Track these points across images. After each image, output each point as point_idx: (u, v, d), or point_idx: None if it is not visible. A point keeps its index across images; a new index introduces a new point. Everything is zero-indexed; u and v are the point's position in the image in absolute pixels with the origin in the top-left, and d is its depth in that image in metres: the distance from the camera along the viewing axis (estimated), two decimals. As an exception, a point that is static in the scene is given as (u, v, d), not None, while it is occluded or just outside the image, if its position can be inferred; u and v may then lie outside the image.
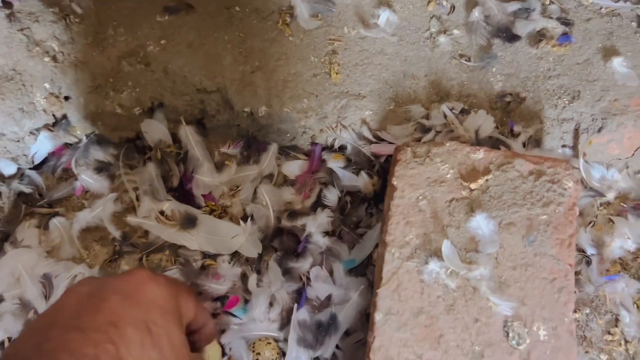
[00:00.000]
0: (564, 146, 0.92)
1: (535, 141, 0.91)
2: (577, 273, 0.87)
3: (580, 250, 0.88)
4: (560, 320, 0.71)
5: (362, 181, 0.89)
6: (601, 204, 0.92)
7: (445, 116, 0.89)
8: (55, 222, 0.93)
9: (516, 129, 0.90)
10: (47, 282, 0.88)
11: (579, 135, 0.91)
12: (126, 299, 0.56)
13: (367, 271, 0.87)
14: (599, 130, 0.90)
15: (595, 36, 0.94)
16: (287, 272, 0.87)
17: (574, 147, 0.91)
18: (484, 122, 0.89)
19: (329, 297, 0.85)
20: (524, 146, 0.89)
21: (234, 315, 0.85)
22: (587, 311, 0.86)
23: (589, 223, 0.90)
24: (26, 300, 0.86)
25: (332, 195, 0.91)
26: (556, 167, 0.79)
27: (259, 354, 0.83)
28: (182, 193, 0.95)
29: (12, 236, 0.93)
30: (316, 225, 0.88)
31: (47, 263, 0.90)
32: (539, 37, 0.94)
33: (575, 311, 0.85)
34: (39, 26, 0.89)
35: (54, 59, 0.90)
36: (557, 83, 0.92)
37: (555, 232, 0.75)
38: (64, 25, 0.92)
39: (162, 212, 0.92)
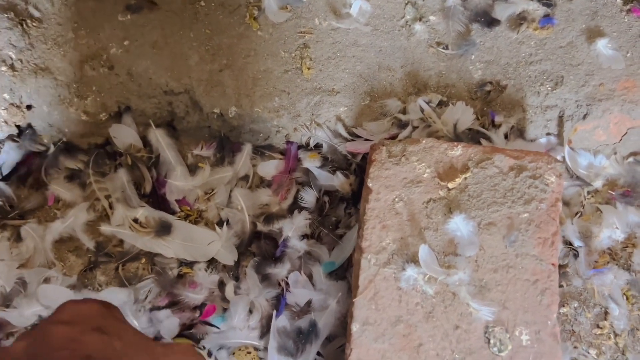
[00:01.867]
0: (548, 134, 0.88)
1: (518, 130, 0.87)
2: (564, 266, 0.85)
3: (567, 243, 0.85)
4: (544, 323, 0.69)
5: (339, 181, 0.86)
6: (588, 193, 0.89)
7: (422, 110, 0.85)
8: (28, 228, 0.90)
9: (497, 119, 0.86)
10: (21, 282, 0.86)
11: (564, 122, 0.87)
12: None
13: (347, 274, 0.85)
14: (584, 117, 0.86)
15: (578, 17, 0.90)
16: (265, 278, 0.85)
17: (559, 135, 0.88)
18: (462, 115, 0.85)
19: (308, 303, 0.82)
20: (506, 137, 0.86)
21: (212, 325, 0.83)
22: (576, 305, 0.84)
23: (576, 214, 0.87)
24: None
25: (309, 197, 0.88)
26: (538, 161, 0.76)
27: None
28: (156, 199, 0.92)
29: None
30: (293, 229, 0.86)
31: (19, 272, 0.88)
32: (519, 20, 0.90)
33: (563, 305, 0.83)
34: (-6, 34, 0.85)
35: (12, 67, 0.86)
36: (540, 69, 0.88)
37: (537, 230, 0.73)
38: (20, 31, 0.87)
39: (135, 220, 0.90)
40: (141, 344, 0.50)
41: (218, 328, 0.83)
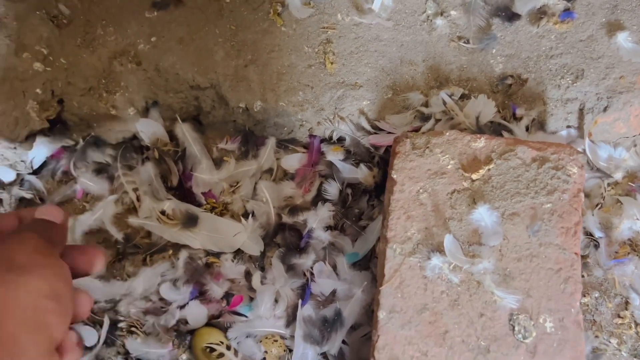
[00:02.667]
0: (568, 127, 0.89)
1: (539, 123, 0.88)
2: (585, 257, 0.86)
3: (588, 234, 0.86)
4: (567, 311, 0.70)
5: (362, 174, 0.88)
6: (609, 185, 0.90)
7: (444, 103, 0.86)
8: (58, 222, 0.93)
9: (518, 112, 0.88)
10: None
11: (584, 115, 0.88)
12: None
13: (371, 264, 0.87)
14: (605, 109, 0.87)
15: (598, 10, 0.91)
16: (290, 269, 0.87)
17: (579, 128, 0.89)
18: (484, 107, 0.86)
19: (333, 293, 0.84)
20: (527, 130, 0.87)
21: (240, 314, 0.85)
22: (597, 295, 0.85)
23: (596, 205, 0.88)
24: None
25: (332, 189, 0.90)
26: (560, 152, 0.77)
27: (266, 352, 0.83)
28: (182, 192, 0.95)
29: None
30: (317, 220, 0.88)
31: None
32: (539, 14, 0.91)
33: (584, 295, 0.85)
34: (26, 30, 0.87)
35: (44, 63, 0.89)
36: (560, 62, 0.89)
37: (560, 220, 0.74)
38: (51, 27, 0.90)
39: (163, 212, 0.92)
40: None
41: (246, 317, 0.85)
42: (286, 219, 0.89)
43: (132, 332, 0.86)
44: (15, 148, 0.91)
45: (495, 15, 0.92)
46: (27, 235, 0.47)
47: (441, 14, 0.93)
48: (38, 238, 0.47)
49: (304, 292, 0.85)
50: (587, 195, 0.89)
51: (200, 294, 0.87)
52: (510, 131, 0.86)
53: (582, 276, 0.85)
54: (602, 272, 0.85)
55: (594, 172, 0.89)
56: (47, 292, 0.44)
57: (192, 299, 0.86)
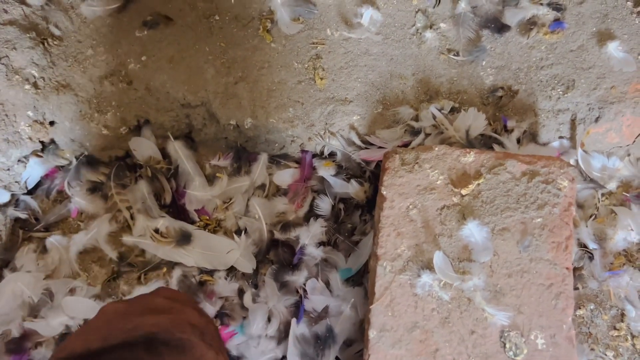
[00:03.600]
0: (561, 138, 0.89)
1: (531, 135, 0.88)
2: (579, 269, 0.85)
3: (582, 245, 0.86)
4: (559, 327, 0.70)
5: (353, 189, 0.88)
6: (602, 195, 0.89)
7: (434, 117, 0.86)
8: (52, 240, 0.93)
9: (509, 124, 0.87)
10: (48, 292, 0.89)
11: (576, 126, 0.88)
12: None
13: (364, 279, 0.86)
14: (597, 119, 0.87)
15: (589, 20, 0.90)
16: (283, 286, 0.87)
17: (572, 138, 0.88)
18: (474, 121, 0.86)
19: (325, 309, 0.84)
20: (519, 142, 0.87)
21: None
22: (592, 307, 0.84)
23: (590, 216, 0.88)
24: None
25: (324, 204, 0.90)
26: (550, 166, 0.77)
27: None
28: (176, 209, 0.95)
29: (12, 263, 0.94)
30: (310, 236, 0.87)
31: (46, 283, 0.91)
32: (529, 25, 0.91)
33: (579, 307, 0.84)
34: (17, 53, 0.88)
35: (35, 85, 0.89)
36: (551, 73, 0.89)
37: (550, 235, 0.73)
38: (42, 49, 0.90)
39: (156, 230, 0.92)
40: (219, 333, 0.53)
41: (240, 334, 0.85)
42: (279, 235, 0.90)
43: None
44: (8, 169, 0.91)
45: (484, 27, 0.91)
46: None
47: (430, 27, 0.92)
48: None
49: (297, 309, 0.85)
50: (580, 206, 0.88)
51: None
52: (501, 144, 0.85)
53: (577, 288, 0.85)
54: (597, 284, 0.85)
55: (587, 183, 0.88)
56: None
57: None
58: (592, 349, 0.82)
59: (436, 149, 0.79)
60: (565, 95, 0.87)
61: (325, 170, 0.90)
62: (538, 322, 0.70)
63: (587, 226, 0.86)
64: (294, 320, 0.83)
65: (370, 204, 0.89)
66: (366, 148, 0.89)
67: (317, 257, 0.87)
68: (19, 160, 0.91)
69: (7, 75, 0.88)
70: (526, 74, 0.89)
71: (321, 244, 0.89)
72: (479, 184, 0.76)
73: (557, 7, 0.90)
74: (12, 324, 0.88)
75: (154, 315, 0.48)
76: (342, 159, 0.90)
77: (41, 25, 0.92)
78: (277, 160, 0.95)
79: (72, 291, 0.90)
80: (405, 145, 0.86)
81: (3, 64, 0.87)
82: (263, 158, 0.94)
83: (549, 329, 0.69)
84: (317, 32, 0.93)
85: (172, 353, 0.43)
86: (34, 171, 0.95)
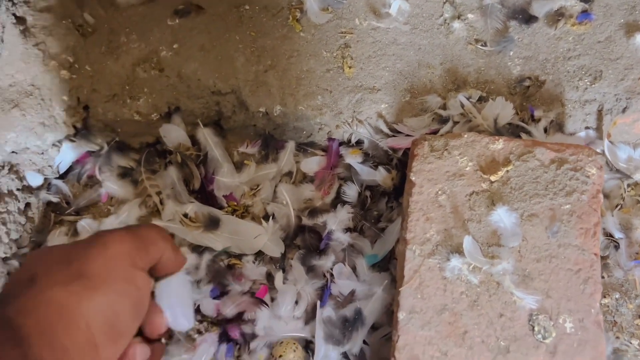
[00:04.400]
0: (587, 128, 0.89)
1: (557, 125, 0.89)
2: (605, 258, 0.86)
3: (608, 235, 0.86)
4: (587, 311, 0.70)
5: (381, 176, 0.89)
6: (628, 186, 0.90)
7: (462, 105, 0.87)
8: (83, 224, 0.95)
9: (537, 114, 0.88)
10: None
11: (603, 116, 0.88)
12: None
13: (390, 265, 0.87)
14: (624, 110, 0.87)
15: (616, 11, 0.91)
16: (310, 270, 0.88)
17: (598, 129, 0.89)
18: (502, 110, 0.87)
19: (352, 293, 0.85)
20: (546, 131, 0.87)
21: (264, 303, 0.86)
22: (617, 296, 0.85)
23: (616, 206, 0.88)
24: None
25: (351, 191, 0.91)
26: (578, 154, 0.77)
27: (280, 356, 0.83)
28: (204, 195, 0.96)
29: (44, 245, 0.96)
30: (337, 222, 0.89)
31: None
32: (557, 16, 0.91)
33: (604, 296, 0.85)
34: (53, 39, 0.90)
35: (70, 70, 0.91)
36: (578, 63, 0.89)
37: (579, 221, 0.74)
38: (77, 36, 0.92)
39: (185, 215, 0.94)
40: None
41: (267, 306, 0.86)
42: (306, 221, 0.91)
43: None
44: (42, 153, 0.93)
45: (512, 18, 0.92)
46: (115, 239, 0.45)
47: (458, 17, 0.93)
48: (127, 243, 0.46)
49: (323, 293, 0.86)
50: (606, 196, 0.89)
51: (222, 294, 0.89)
52: (528, 133, 0.86)
53: (602, 277, 0.85)
54: (622, 273, 0.85)
55: (613, 173, 0.89)
56: (106, 314, 0.43)
57: (213, 298, 0.87)
58: (617, 337, 0.83)
59: (465, 136, 0.80)
60: (593, 85, 0.88)
61: (353, 158, 0.92)
62: (566, 306, 0.71)
63: (613, 216, 0.87)
64: (318, 303, 0.84)
65: (397, 192, 0.90)
66: (393, 136, 0.90)
67: (344, 243, 0.89)
68: (53, 145, 0.93)
69: (43, 60, 0.90)
70: (553, 64, 0.90)
71: (348, 230, 0.90)
72: (507, 171, 0.77)
73: (585, -1, 0.91)
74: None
75: None
76: (370, 147, 0.92)
77: (76, 12, 0.94)
78: (304, 148, 0.97)
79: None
80: (433, 133, 0.87)
81: (40, 49, 0.90)
82: (290, 146, 0.95)
83: (577, 313, 0.70)
84: (346, 22, 0.94)
85: None
86: (66, 156, 0.97)
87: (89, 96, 0.93)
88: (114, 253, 0.45)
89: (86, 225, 0.95)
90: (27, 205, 0.94)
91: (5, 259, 0.89)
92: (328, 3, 0.94)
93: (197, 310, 0.87)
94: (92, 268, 0.43)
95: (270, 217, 0.92)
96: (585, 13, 0.91)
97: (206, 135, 0.95)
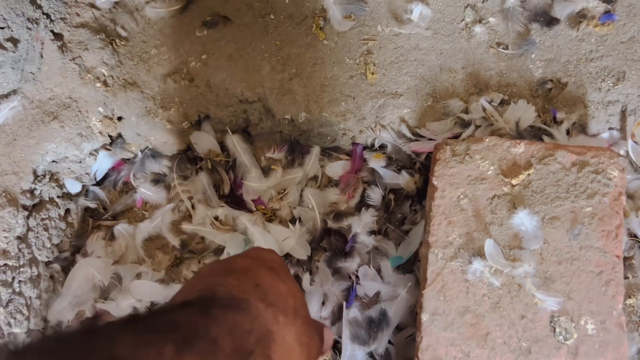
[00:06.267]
0: (610, 129, 0.89)
1: (580, 126, 0.89)
2: (630, 258, 0.86)
3: (633, 236, 0.87)
4: (609, 313, 0.71)
5: (404, 180, 0.91)
6: (654, 186, 0.90)
7: (484, 109, 0.88)
8: (120, 228, 1.00)
9: (559, 116, 0.89)
10: (117, 277, 0.96)
11: (626, 117, 0.88)
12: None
13: (414, 267, 0.89)
14: (647, 110, 0.87)
15: (640, 12, 0.91)
16: (336, 272, 0.91)
17: (622, 130, 0.89)
18: (524, 113, 0.88)
19: (377, 294, 0.88)
20: (568, 133, 0.88)
21: None
22: (642, 296, 0.85)
23: (641, 207, 0.88)
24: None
25: (375, 195, 0.93)
26: (600, 156, 0.78)
27: None
28: (234, 199, 1.00)
29: (83, 249, 1.01)
30: (361, 225, 0.91)
31: (114, 268, 0.98)
32: (579, 18, 0.92)
33: (629, 296, 0.85)
34: (89, 54, 0.95)
35: (105, 83, 0.96)
36: (601, 65, 0.90)
37: (600, 223, 0.75)
38: (111, 50, 0.97)
39: (216, 218, 0.98)
40: (299, 296, 0.52)
41: None
42: (331, 224, 0.94)
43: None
44: (80, 162, 0.98)
45: (533, 21, 0.93)
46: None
47: (479, 21, 0.94)
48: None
49: (349, 294, 0.89)
50: (631, 197, 0.89)
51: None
52: (550, 135, 0.87)
53: (627, 277, 0.86)
54: (647, 274, 0.85)
55: (637, 174, 0.89)
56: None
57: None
58: (643, 338, 0.83)
59: (487, 140, 0.81)
60: (616, 86, 0.88)
61: (376, 162, 0.94)
62: (588, 308, 0.72)
63: (637, 216, 0.87)
64: (344, 304, 0.87)
65: (420, 195, 0.92)
66: (416, 140, 0.92)
67: (369, 245, 0.91)
68: (90, 154, 0.98)
69: (80, 74, 0.94)
70: (575, 66, 0.91)
71: (372, 232, 0.92)
72: (529, 174, 0.78)
73: (608, 0, 0.91)
74: (85, 305, 0.95)
75: (227, 276, 0.49)
76: (393, 151, 0.94)
77: (109, 27, 0.98)
78: (329, 152, 0.99)
79: (138, 275, 0.97)
80: (456, 137, 0.89)
81: (77, 63, 0.94)
82: (316, 151, 0.98)
83: (599, 315, 0.71)
84: (368, 29, 0.96)
85: (225, 313, 0.42)
86: (102, 163, 1.02)
87: (122, 107, 0.97)
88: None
89: (122, 230, 1.00)
90: (67, 211, 1.00)
91: (47, 263, 0.95)
92: (351, 11, 0.96)
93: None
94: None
95: (297, 221, 0.95)
96: (607, 14, 0.91)
97: (235, 142, 0.99)
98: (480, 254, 0.75)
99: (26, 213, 0.91)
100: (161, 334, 0.36)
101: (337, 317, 0.89)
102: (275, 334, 0.43)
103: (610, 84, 0.88)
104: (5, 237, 0.87)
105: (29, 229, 0.91)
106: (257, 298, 0.46)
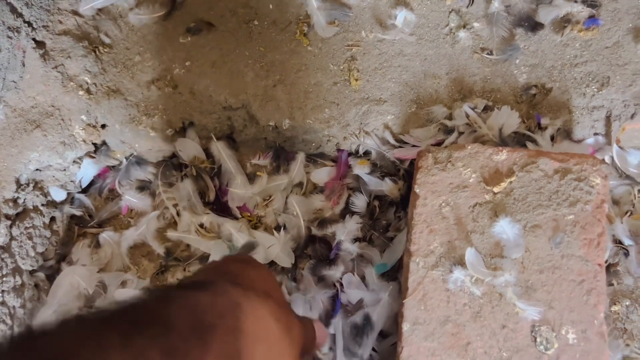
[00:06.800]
0: (595, 134, 0.89)
1: (565, 132, 0.89)
2: (615, 265, 0.86)
3: (618, 242, 0.86)
4: (590, 322, 0.71)
5: (388, 187, 0.91)
6: (639, 191, 0.89)
7: (467, 116, 0.88)
8: (105, 236, 1.00)
9: (543, 121, 0.88)
10: (102, 285, 0.96)
11: (611, 122, 0.88)
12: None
13: (399, 275, 0.89)
14: (632, 116, 0.87)
15: (625, 16, 0.90)
16: (321, 280, 0.90)
17: (607, 135, 0.88)
18: (508, 119, 0.87)
19: (360, 301, 0.87)
20: (553, 139, 0.87)
21: None
22: (627, 303, 0.85)
23: (626, 213, 0.88)
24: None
25: (360, 202, 0.93)
26: (582, 163, 0.77)
27: None
28: (219, 206, 1.00)
29: (68, 257, 1.01)
30: (346, 233, 0.91)
31: (100, 276, 0.98)
32: (563, 23, 0.91)
33: (614, 303, 0.85)
34: (71, 62, 0.94)
35: (88, 91, 0.95)
36: (585, 70, 0.89)
37: (582, 232, 0.74)
38: (94, 57, 0.96)
39: (201, 225, 0.98)
40: (271, 280, 0.50)
41: None
42: (316, 231, 0.93)
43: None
44: (64, 170, 0.98)
45: (518, 26, 0.92)
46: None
47: (464, 27, 0.94)
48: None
49: (333, 302, 0.89)
50: (616, 203, 0.89)
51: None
52: (534, 141, 0.87)
53: (612, 284, 0.85)
54: (632, 280, 0.85)
55: (623, 179, 0.88)
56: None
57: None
58: (627, 345, 0.83)
59: (469, 147, 0.80)
60: (600, 92, 0.88)
61: (361, 169, 0.93)
62: (569, 317, 0.71)
63: (622, 222, 0.86)
64: (339, 315, 0.86)
65: (404, 201, 0.92)
66: (400, 147, 0.91)
67: (353, 253, 0.91)
68: (74, 161, 0.98)
69: (62, 82, 0.94)
70: (560, 71, 0.90)
71: (357, 239, 0.92)
72: (511, 182, 0.78)
73: (592, 4, 0.90)
74: (70, 313, 0.95)
75: (195, 273, 0.50)
76: (377, 158, 0.93)
77: (92, 34, 0.98)
78: (314, 159, 0.99)
79: (123, 283, 0.97)
80: (439, 143, 0.88)
81: (59, 72, 0.94)
82: (301, 157, 0.97)
83: (580, 324, 0.71)
84: (352, 35, 0.96)
85: (184, 293, 0.39)
86: (87, 171, 1.01)
87: (106, 115, 0.96)
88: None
89: (108, 237, 1.00)
90: (52, 219, 0.99)
91: (32, 272, 0.94)
92: (335, 16, 0.96)
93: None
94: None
95: (282, 228, 0.95)
96: (592, 19, 0.90)
97: (219, 149, 0.98)
98: (461, 262, 0.74)
99: (9, 222, 0.90)
100: (109, 324, 0.34)
101: (324, 324, 0.88)
102: (245, 305, 0.40)
103: (595, 90, 0.88)
104: (-13, 247, 0.86)
105: (12, 238, 0.91)
106: (224, 280, 0.44)
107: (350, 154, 0.96)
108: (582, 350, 0.70)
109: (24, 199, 0.94)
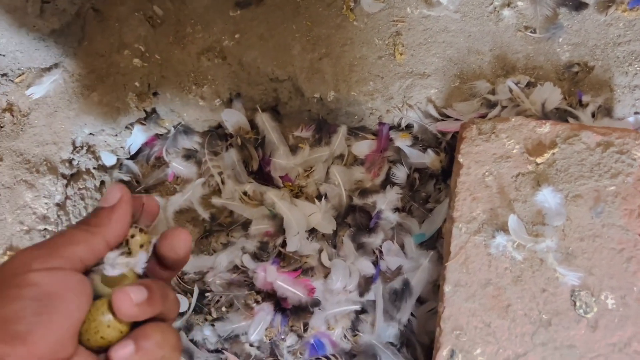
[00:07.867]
0: (636, 113, 0.90)
1: (606, 110, 0.90)
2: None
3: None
4: (629, 289, 0.73)
5: (429, 158, 0.93)
6: (678, 170, 0.90)
7: (510, 91, 0.90)
8: (152, 201, 1.03)
9: (584, 99, 0.90)
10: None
11: (653, 101, 0.89)
12: None
13: (437, 244, 0.92)
14: (674, 95, 0.88)
15: (669, -3, 0.91)
16: (360, 247, 0.93)
17: (648, 114, 0.90)
18: (550, 95, 0.89)
19: (399, 268, 0.90)
20: (593, 116, 0.89)
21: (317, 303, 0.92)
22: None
23: (664, 190, 0.89)
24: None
25: (400, 173, 0.95)
26: (625, 137, 0.79)
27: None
28: (262, 175, 1.03)
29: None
30: (386, 202, 0.93)
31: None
32: (607, 3, 0.92)
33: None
34: (127, 30, 0.98)
35: (141, 59, 0.99)
36: (628, 49, 0.91)
37: (623, 202, 0.76)
38: (147, 27, 1.00)
39: (245, 193, 1.01)
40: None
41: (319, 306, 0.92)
42: (357, 200, 0.96)
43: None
44: (116, 135, 1.02)
45: (562, 5, 0.94)
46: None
47: (508, 5, 0.96)
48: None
49: (373, 269, 0.92)
50: (655, 180, 0.90)
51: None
52: (576, 117, 0.88)
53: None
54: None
55: (662, 158, 0.90)
56: None
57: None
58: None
59: (513, 119, 0.83)
60: (643, 71, 0.89)
61: (402, 141, 0.96)
62: (609, 284, 0.73)
63: (660, 199, 0.88)
64: (380, 284, 0.89)
65: (445, 174, 0.94)
66: (442, 120, 0.94)
67: (393, 222, 0.93)
68: (125, 127, 1.02)
69: (118, 49, 0.98)
70: (603, 50, 0.92)
71: (396, 210, 0.95)
72: (554, 153, 0.80)
73: (637, -15, 0.92)
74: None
75: None
76: (419, 131, 0.96)
77: (147, 5, 1.02)
78: (356, 132, 1.02)
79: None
80: (482, 117, 0.90)
81: (115, 39, 0.98)
82: (342, 130, 1.00)
83: (620, 290, 0.73)
84: (398, 11, 0.98)
85: None
86: (137, 138, 1.05)
87: (158, 83, 1.00)
88: None
89: (154, 203, 1.03)
90: (102, 182, 1.04)
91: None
92: (381, -7, 0.98)
93: (252, 284, 0.95)
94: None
95: (323, 197, 0.98)
96: (637, -1, 0.92)
97: (264, 120, 1.01)
98: (503, 229, 0.77)
99: (65, 182, 0.95)
100: None
101: (363, 289, 0.91)
102: None
103: (637, 68, 0.89)
104: (46, 204, 0.91)
105: (67, 197, 0.95)
106: None
107: (391, 128, 0.99)
108: (621, 315, 0.72)
109: (78, 161, 0.98)
